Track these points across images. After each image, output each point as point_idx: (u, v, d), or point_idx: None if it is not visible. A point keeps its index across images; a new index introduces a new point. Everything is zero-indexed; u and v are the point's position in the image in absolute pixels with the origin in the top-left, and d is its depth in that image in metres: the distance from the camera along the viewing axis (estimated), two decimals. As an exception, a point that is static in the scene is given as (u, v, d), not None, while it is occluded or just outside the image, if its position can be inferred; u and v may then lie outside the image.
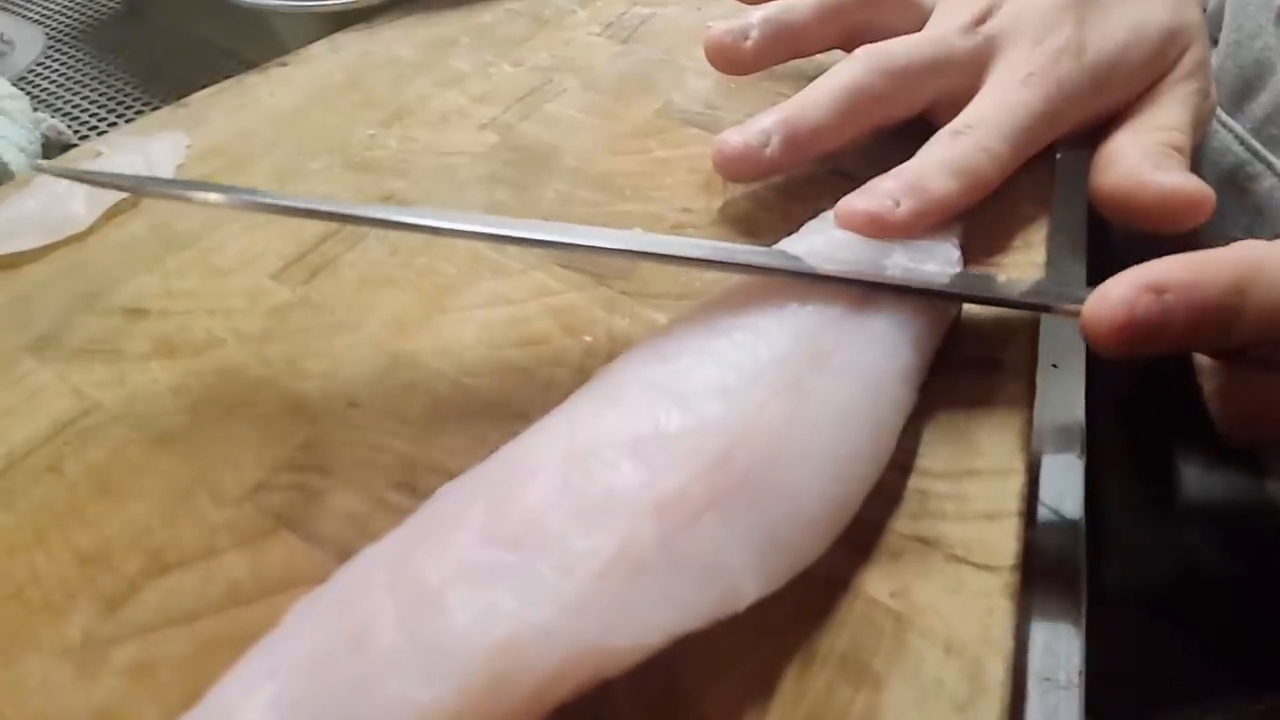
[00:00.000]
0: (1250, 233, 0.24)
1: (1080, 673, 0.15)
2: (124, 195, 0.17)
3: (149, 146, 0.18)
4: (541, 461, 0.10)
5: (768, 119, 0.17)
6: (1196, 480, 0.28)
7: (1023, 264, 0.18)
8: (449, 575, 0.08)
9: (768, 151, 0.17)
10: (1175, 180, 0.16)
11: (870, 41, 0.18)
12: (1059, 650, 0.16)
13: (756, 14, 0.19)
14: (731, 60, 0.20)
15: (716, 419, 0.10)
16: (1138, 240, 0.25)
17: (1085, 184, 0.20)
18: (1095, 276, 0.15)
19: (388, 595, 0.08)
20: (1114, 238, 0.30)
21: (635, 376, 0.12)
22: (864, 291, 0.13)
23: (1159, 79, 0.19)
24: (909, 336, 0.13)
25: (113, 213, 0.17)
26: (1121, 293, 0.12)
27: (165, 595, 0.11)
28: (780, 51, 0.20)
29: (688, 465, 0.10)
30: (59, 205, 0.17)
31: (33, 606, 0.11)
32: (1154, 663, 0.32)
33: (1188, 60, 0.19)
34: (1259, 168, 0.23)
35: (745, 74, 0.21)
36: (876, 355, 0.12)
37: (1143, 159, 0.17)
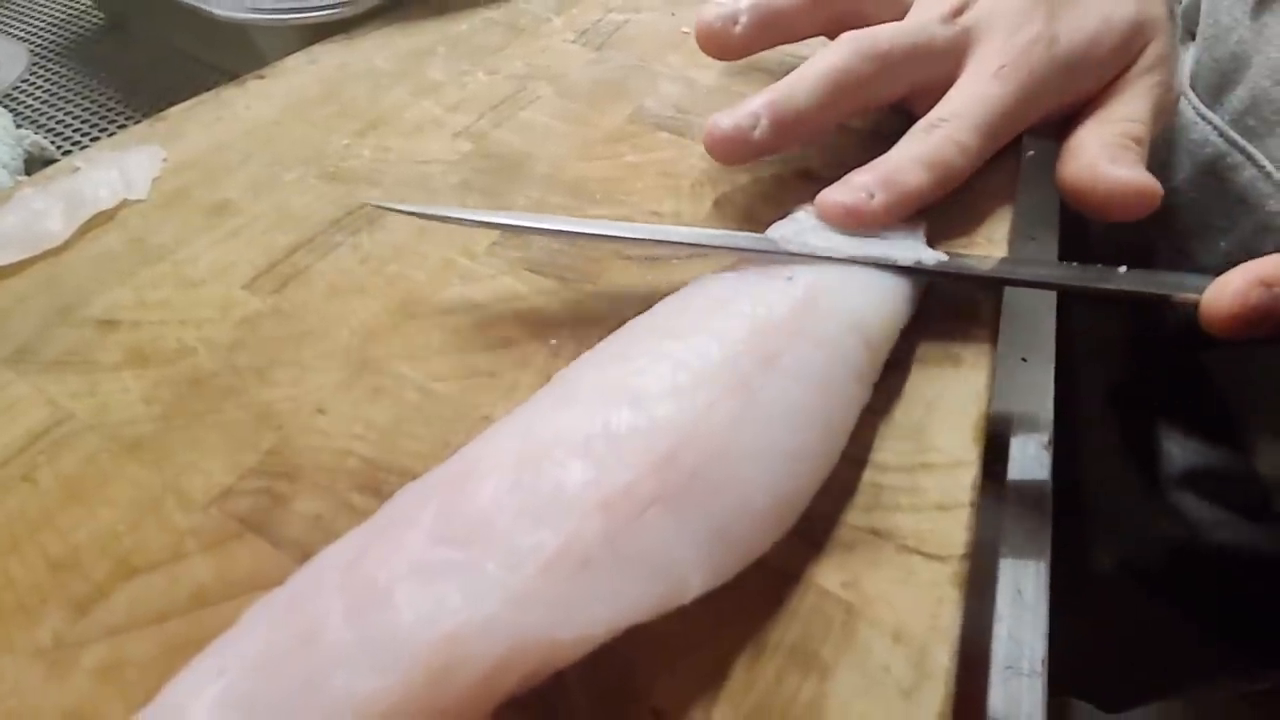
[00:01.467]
0: (1234, 222, 0.25)
1: (1043, 661, 0.16)
2: (101, 209, 0.17)
3: (125, 161, 0.19)
4: (495, 462, 0.10)
5: (756, 102, 0.18)
6: (1187, 459, 0.28)
7: (983, 250, 0.18)
8: (398, 574, 0.09)
9: (756, 133, 0.17)
10: (1125, 174, 0.17)
11: (854, 29, 0.19)
12: (1023, 639, 0.16)
13: (746, 1, 0.20)
14: (721, 45, 0.20)
15: (666, 418, 0.11)
16: (1117, 230, 0.26)
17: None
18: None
19: (338, 594, 0.09)
20: (1093, 228, 0.31)
21: (591, 377, 0.12)
22: (814, 292, 0.14)
23: (1123, 71, 0.20)
24: (862, 335, 0.13)
25: (88, 227, 0.17)
26: (1237, 286, 0.13)
27: (133, 598, 0.11)
28: (768, 37, 0.20)
29: (635, 463, 0.10)
30: (37, 221, 0.17)
31: (6, 610, 0.11)
32: (1154, 642, 0.32)
33: (1150, 53, 0.20)
34: (1238, 158, 0.24)
35: (734, 59, 0.21)
36: (827, 354, 0.13)
37: (1100, 152, 0.18)
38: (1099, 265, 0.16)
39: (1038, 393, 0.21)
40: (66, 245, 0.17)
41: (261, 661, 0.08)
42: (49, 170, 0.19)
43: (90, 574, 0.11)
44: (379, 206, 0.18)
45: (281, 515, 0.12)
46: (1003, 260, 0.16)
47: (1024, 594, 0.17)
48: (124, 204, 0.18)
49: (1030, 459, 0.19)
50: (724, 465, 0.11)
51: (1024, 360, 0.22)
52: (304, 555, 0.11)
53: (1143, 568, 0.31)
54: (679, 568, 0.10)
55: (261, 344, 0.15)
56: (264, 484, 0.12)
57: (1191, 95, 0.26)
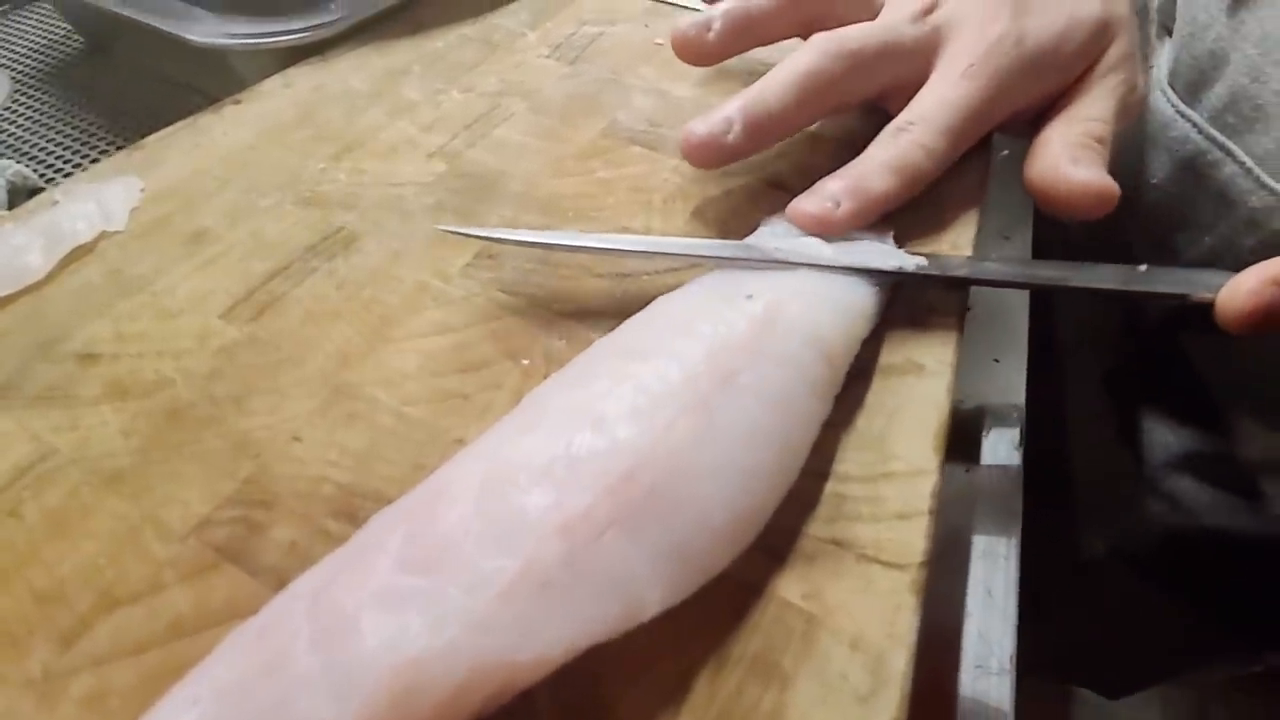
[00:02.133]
0: (1217, 219, 0.25)
1: (1012, 658, 0.16)
2: (80, 242, 0.18)
3: (103, 193, 0.19)
4: (461, 487, 0.11)
5: (729, 107, 0.18)
6: (1179, 444, 0.28)
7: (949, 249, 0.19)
8: (364, 601, 0.09)
9: (730, 138, 0.18)
10: (1085, 175, 0.17)
11: (827, 30, 0.19)
12: (991, 637, 0.16)
13: (719, 7, 0.20)
14: (697, 51, 0.20)
15: (627, 440, 0.11)
16: (1098, 227, 0.26)
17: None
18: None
19: (305, 621, 0.09)
20: (1072, 226, 0.31)
21: (555, 401, 0.12)
22: (774, 310, 0.14)
23: (1088, 70, 0.20)
24: (821, 351, 0.14)
25: (68, 260, 0.17)
26: (1251, 285, 0.14)
27: (115, 630, 0.11)
28: (742, 42, 0.21)
29: (593, 485, 0.10)
30: (17, 256, 0.17)
31: (-7, 645, 0.11)
32: (1150, 627, 0.33)
33: (1113, 53, 0.20)
34: (1218, 155, 0.24)
35: (710, 64, 0.21)
36: (786, 372, 0.13)
37: (1063, 152, 0.18)
38: (1114, 264, 0.16)
39: (1009, 394, 0.22)
40: (47, 280, 0.17)
41: (231, 690, 0.08)
42: (29, 204, 0.19)
43: (75, 606, 0.11)
44: (451, 231, 0.18)
45: (258, 544, 0.12)
46: (1011, 261, 0.17)
47: (993, 593, 0.17)
48: (102, 235, 0.18)
49: (1000, 460, 0.20)
50: (682, 484, 0.11)
51: (996, 361, 0.22)
52: (280, 583, 0.12)
53: (1135, 553, 0.31)
54: (637, 587, 0.10)
55: (239, 373, 0.15)
56: (241, 513, 0.13)
57: (1170, 93, 0.26)
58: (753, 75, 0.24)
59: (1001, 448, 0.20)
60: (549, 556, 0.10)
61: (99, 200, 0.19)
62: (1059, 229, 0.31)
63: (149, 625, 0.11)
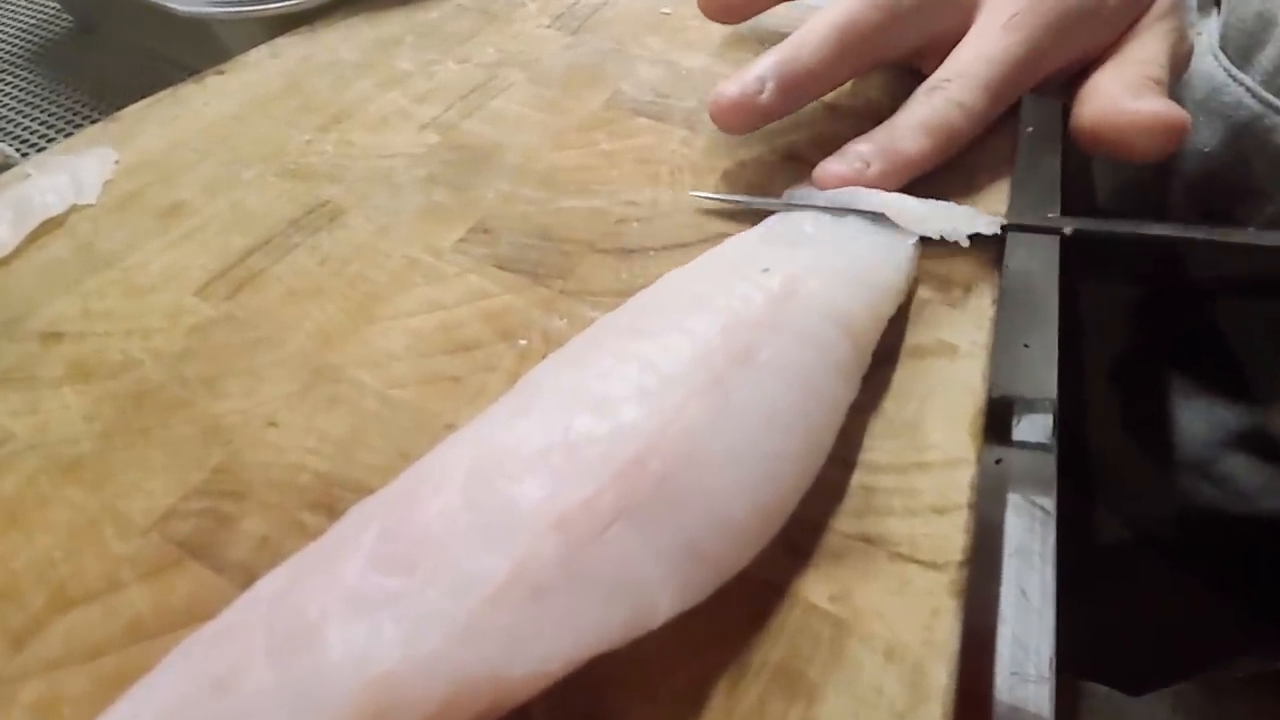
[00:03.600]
0: (1276, 183, 0.24)
1: (1051, 664, 0.15)
2: (50, 215, 0.17)
3: (76, 165, 0.18)
4: (445, 477, 0.09)
5: (762, 65, 0.17)
6: (1234, 423, 0.27)
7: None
8: (329, 606, 0.08)
9: (763, 98, 0.16)
10: (1154, 105, 0.16)
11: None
12: (1028, 642, 0.15)
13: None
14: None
15: (632, 424, 0.10)
16: (1142, 201, 0.24)
17: (1054, 140, 0.19)
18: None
19: (262, 631, 0.08)
20: (1098, 197, 0.30)
21: (552, 382, 0.11)
22: (793, 283, 0.13)
23: (1136, 19, 0.19)
24: (845, 328, 0.12)
25: (36, 234, 0.16)
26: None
27: (69, 631, 0.10)
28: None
29: (596, 474, 0.09)
30: (-21, 230, 0.16)
31: (-66, 649, 0.10)
32: (1174, 619, 0.31)
33: (1162, 2, 0.19)
34: (1275, 119, 0.23)
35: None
36: (807, 350, 0.12)
37: (1124, 89, 0.17)
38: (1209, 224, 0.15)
39: (1040, 381, 0.20)
40: (13, 255, 0.16)
41: (174, 710, 0.07)
42: (2, 177, 0.18)
43: (28, 605, 0.10)
44: (704, 197, 0.17)
45: (226, 538, 0.11)
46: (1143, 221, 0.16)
47: (1029, 595, 0.16)
48: (74, 209, 0.17)
49: (1033, 453, 0.18)
50: (696, 472, 0.10)
51: (1025, 346, 0.21)
52: (248, 581, 0.11)
53: (1165, 538, 0.30)
54: (646, 589, 0.09)
55: (212, 353, 0.14)
56: (209, 504, 0.12)
57: (1222, 57, 0.25)
58: (766, 44, 0.23)
59: (1033, 439, 0.19)
60: (544, 554, 0.08)
61: (71, 172, 0.18)
62: (1089, 202, 0.29)
63: (105, 626, 0.10)
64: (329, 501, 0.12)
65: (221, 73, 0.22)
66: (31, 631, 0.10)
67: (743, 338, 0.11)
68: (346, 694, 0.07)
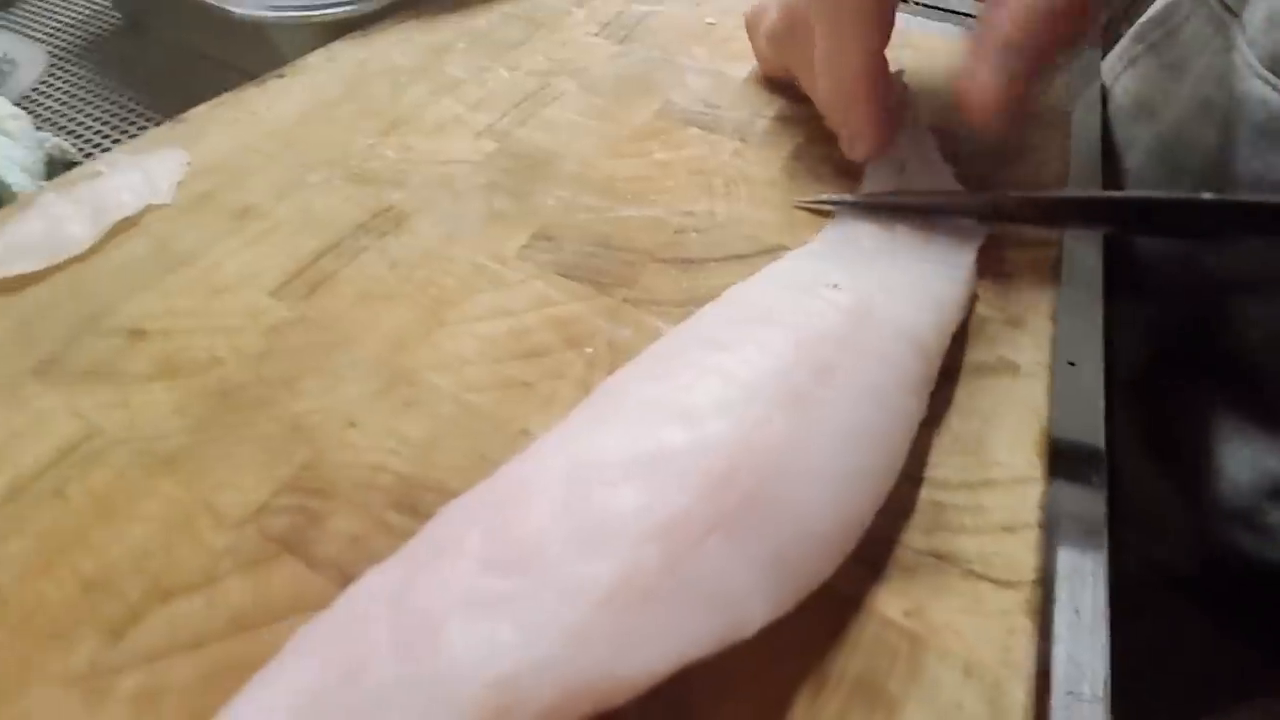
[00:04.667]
0: None
1: (1106, 684, 0.15)
2: (125, 215, 0.17)
3: (148, 164, 0.18)
4: (540, 483, 0.10)
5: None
6: (1235, 474, 0.27)
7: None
8: (447, 605, 0.08)
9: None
10: (980, 79, 0.14)
11: None
12: (1083, 661, 0.15)
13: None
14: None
15: (718, 436, 0.10)
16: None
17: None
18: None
19: (386, 627, 0.08)
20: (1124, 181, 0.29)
21: (635, 392, 0.11)
22: (863, 300, 0.13)
23: None
24: (915, 345, 0.13)
25: (113, 233, 0.17)
26: None
27: (169, 622, 0.11)
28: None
29: (690, 486, 0.09)
30: (60, 227, 0.17)
31: (40, 635, 0.11)
32: (1184, 652, 0.31)
33: None
34: None
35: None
36: (882, 367, 0.12)
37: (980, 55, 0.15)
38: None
39: (1087, 400, 0.20)
40: (91, 251, 0.16)
41: (307, 700, 0.08)
42: (71, 174, 0.19)
43: (125, 595, 0.11)
44: (807, 202, 0.17)
45: (317, 535, 0.12)
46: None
47: (1081, 614, 0.16)
48: (148, 209, 0.17)
49: (1083, 474, 0.19)
50: (783, 486, 0.10)
51: (1071, 365, 0.21)
52: (342, 577, 0.11)
53: (1170, 572, 0.29)
54: (741, 598, 0.09)
55: (291, 353, 0.14)
56: (298, 501, 0.12)
57: (1272, 77, 0.24)
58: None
59: (1084, 459, 0.19)
60: (647, 563, 0.09)
61: (144, 172, 0.18)
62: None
63: (207, 618, 0.11)
64: (412, 502, 0.12)
65: (282, 76, 0.23)
66: (130, 622, 0.11)
67: (820, 354, 0.12)
68: (470, 694, 0.07)
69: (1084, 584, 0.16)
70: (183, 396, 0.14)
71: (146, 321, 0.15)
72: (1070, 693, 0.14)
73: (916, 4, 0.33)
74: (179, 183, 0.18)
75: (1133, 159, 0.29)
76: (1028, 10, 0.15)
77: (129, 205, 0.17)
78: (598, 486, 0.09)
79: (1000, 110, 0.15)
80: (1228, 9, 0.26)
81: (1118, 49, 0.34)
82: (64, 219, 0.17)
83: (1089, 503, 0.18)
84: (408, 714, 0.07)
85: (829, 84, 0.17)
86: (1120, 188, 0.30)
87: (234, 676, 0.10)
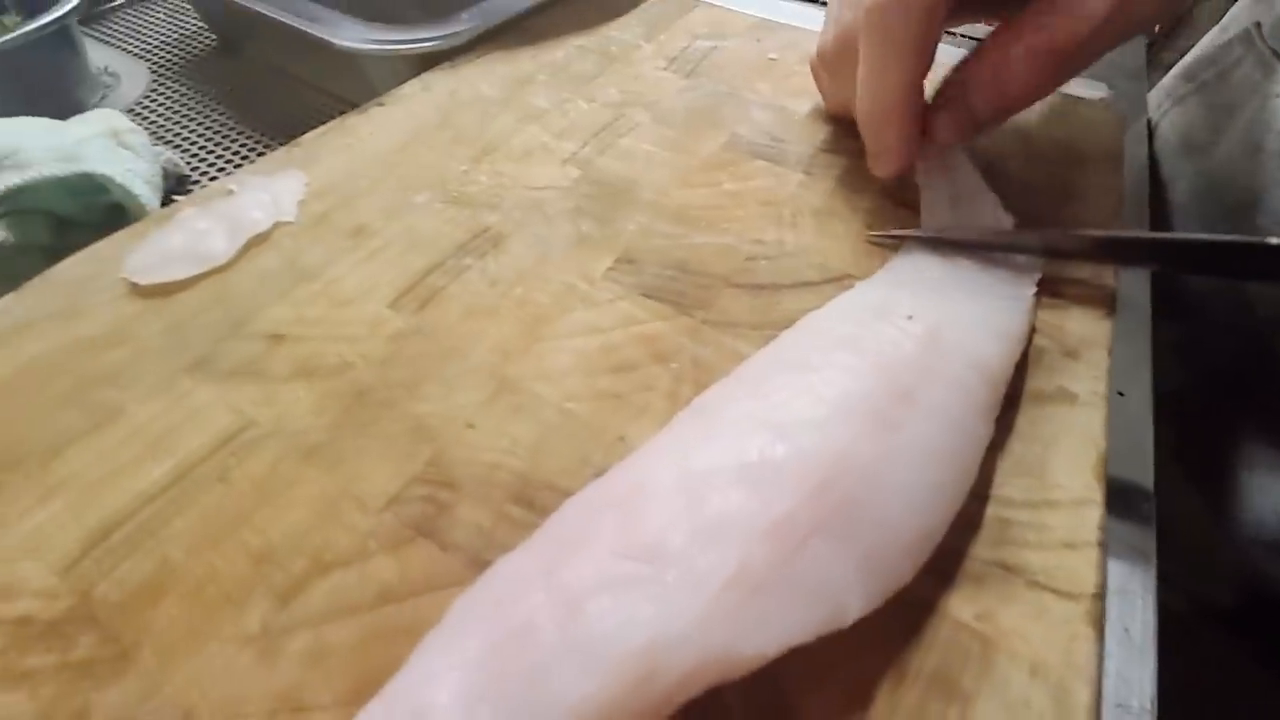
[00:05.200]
0: None
1: (1153, 699, 0.16)
2: (258, 231, 0.19)
3: (274, 185, 0.21)
4: (658, 485, 0.11)
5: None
6: (1254, 489, 0.27)
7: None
8: (591, 585, 0.10)
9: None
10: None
11: None
12: (1131, 677, 0.16)
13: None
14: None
15: (813, 449, 0.11)
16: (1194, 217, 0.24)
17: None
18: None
19: (541, 600, 0.10)
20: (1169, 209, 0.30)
21: (733, 409, 0.13)
22: (936, 331, 0.14)
23: None
24: (984, 373, 0.14)
25: (248, 246, 0.19)
26: None
27: (328, 592, 0.12)
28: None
29: (792, 492, 0.11)
30: (201, 240, 0.19)
31: (212, 601, 0.12)
32: (1226, 687, 0.31)
33: None
34: None
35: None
36: (955, 393, 0.13)
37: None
38: None
39: (1136, 430, 0.21)
40: (230, 264, 0.18)
41: (486, 658, 0.09)
42: (204, 192, 0.21)
43: (288, 568, 0.12)
44: (878, 236, 0.19)
45: (447, 523, 0.13)
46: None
47: (1131, 633, 0.17)
48: (276, 225, 0.20)
49: (1133, 497, 0.19)
50: (872, 497, 0.11)
51: (1120, 395, 0.22)
52: (471, 559, 0.13)
53: (1226, 609, 0.29)
54: (839, 593, 0.10)
55: (409, 360, 0.16)
56: (427, 492, 0.14)
57: None
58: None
59: (1133, 485, 0.20)
60: (759, 558, 0.10)
61: (271, 192, 0.20)
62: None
63: (360, 589, 0.12)
64: (529, 497, 0.14)
65: (382, 104, 0.25)
66: (295, 591, 0.12)
67: (899, 380, 0.13)
68: (619, 657, 0.09)
69: (1133, 604, 0.17)
70: (320, 396, 0.15)
71: (283, 327, 0.17)
72: (1120, 705, 0.15)
73: (963, 37, 0.34)
74: (300, 202, 0.20)
75: (1179, 194, 0.29)
76: (992, 90, 0.16)
77: (261, 222, 0.19)
78: (709, 491, 0.11)
79: (929, 159, 0.17)
80: (1276, 54, 0.27)
81: (1165, 85, 0.34)
82: (204, 233, 0.19)
83: (1138, 526, 0.19)
84: (569, 670, 0.09)
85: (866, 103, 0.18)
86: (1166, 221, 0.30)
87: (386, 641, 0.11)
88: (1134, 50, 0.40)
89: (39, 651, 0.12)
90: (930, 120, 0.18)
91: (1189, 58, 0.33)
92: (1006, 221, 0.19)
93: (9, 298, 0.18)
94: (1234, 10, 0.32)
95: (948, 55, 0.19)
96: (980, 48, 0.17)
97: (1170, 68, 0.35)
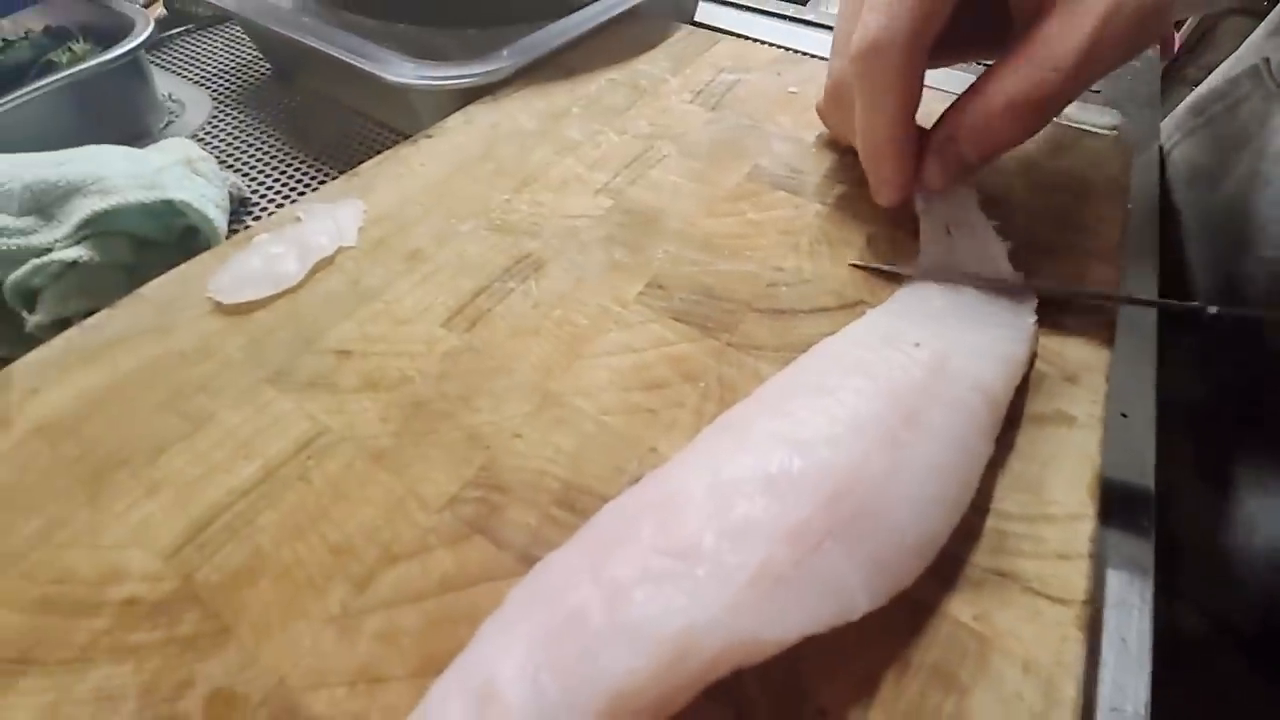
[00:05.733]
0: None
1: (1147, 705, 0.17)
2: (324, 255, 0.21)
3: (337, 212, 0.23)
4: (691, 492, 0.13)
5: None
6: (1264, 507, 0.27)
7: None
8: (634, 577, 0.11)
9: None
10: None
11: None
12: (1126, 684, 0.17)
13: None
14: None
15: (828, 463, 0.13)
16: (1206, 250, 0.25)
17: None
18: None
19: (591, 589, 0.11)
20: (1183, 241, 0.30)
21: (757, 425, 0.14)
22: (942, 358, 0.15)
23: None
24: (986, 397, 0.15)
25: (315, 269, 0.21)
26: None
27: (397, 580, 0.14)
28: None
29: (809, 500, 0.12)
30: (276, 263, 0.21)
31: (299, 584, 0.14)
32: (1235, 704, 0.31)
33: None
34: None
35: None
36: (959, 415, 0.14)
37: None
38: None
39: (1138, 450, 0.22)
40: (300, 285, 0.21)
41: (546, 637, 0.11)
42: (275, 218, 0.23)
43: (363, 558, 0.14)
44: (860, 266, 0.21)
45: (499, 522, 0.15)
46: None
47: (1128, 642, 0.18)
48: (339, 250, 0.22)
49: (1132, 514, 0.20)
50: (880, 506, 0.13)
51: (1124, 416, 0.23)
52: (521, 555, 0.14)
53: (1238, 626, 0.30)
54: (849, 591, 0.12)
55: (462, 375, 0.18)
56: (482, 494, 0.15)
57: None
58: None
59: (1133, 502, 0.21)
60: (780, 557, 0.11)
61: (335, 219, 0.22)
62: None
63: (424, 579, 0.14)
64: (570, 501, 0.15)
65: (430, 136, 0.27)
66: (368, 579, 0.14)
67: (908, 402, 0.14)
68: (658, 639, 0.10)
69: (1130, 616, 0.18)
70: (384, 406, 0.17)
71: (349, 344, 0.19)
72: (1114, 709, 0.16)
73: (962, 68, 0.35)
74: (360, 228, 0.22)
75: (1188, 225, 0.30)
76: (978, 136, 0.18)
77: (326, 247, 0.21)
78: (738, 497, 0.12)
79: (929, 191, 0.19)
80: None
81: (1176, 116, 0.35)
82: (278, 257, 0.21)
83: (1138, 541, 0.20)
84: (619, 648, 0.10)
85: (863, 142, 0.20)
86: (1177, 249, 0.31)
87: (449, 624, 0.13)
88: (1148, 78, 0.41)
89: (145, 629, 0.13)
90: (922, 167, 0.20)
91: (1200, 90, 0.34)
92: (999, 249, 0.20)
93: (103, 314, 0.20)
94: (1246, 44, 0.33)
95: (960, 82, 0.21)
96: (962, 97, 0.19)
97: (1195, 84, 0.36)
